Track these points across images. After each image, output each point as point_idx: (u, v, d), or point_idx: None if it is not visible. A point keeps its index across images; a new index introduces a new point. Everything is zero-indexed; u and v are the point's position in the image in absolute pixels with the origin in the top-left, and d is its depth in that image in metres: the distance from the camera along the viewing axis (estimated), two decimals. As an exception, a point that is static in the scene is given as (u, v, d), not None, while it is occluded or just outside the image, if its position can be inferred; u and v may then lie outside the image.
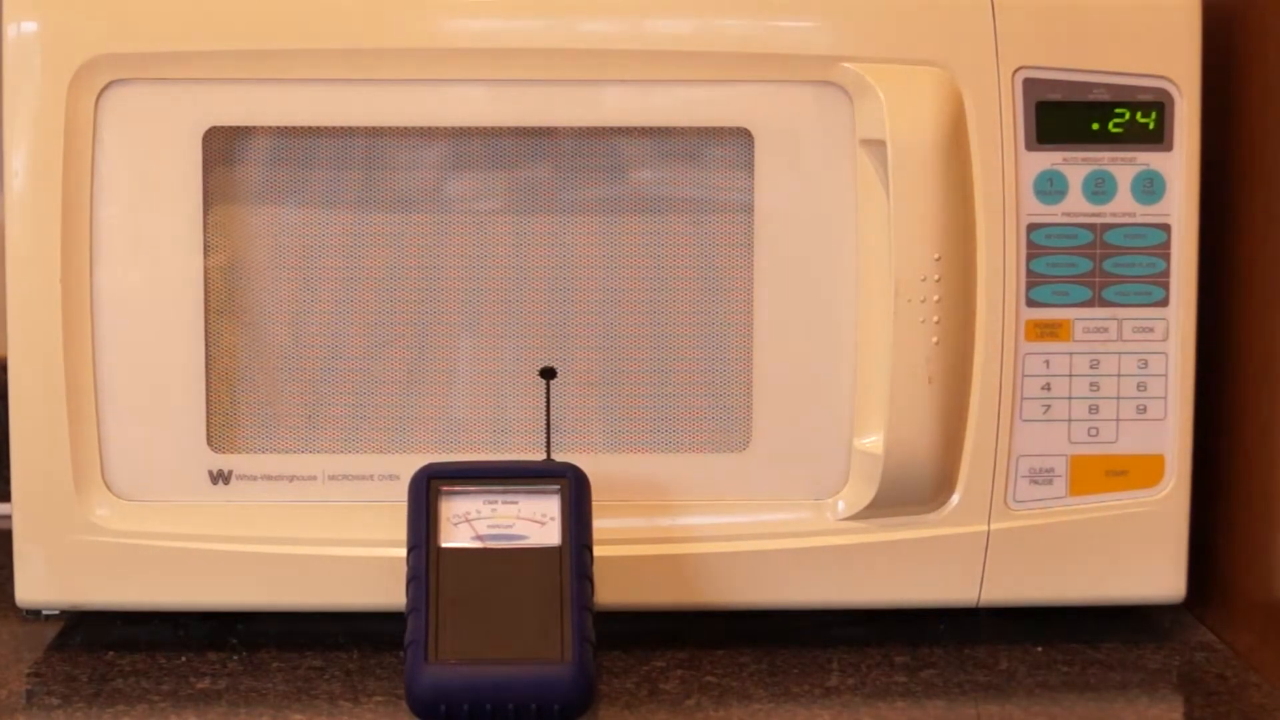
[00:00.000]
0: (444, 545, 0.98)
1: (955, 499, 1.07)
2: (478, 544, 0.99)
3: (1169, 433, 1.08)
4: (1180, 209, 1.07)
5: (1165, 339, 1.07)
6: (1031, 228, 1.06)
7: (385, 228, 1.07)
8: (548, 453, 1.05)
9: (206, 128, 1.05)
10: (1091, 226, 1.07)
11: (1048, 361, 1.07)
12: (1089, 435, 1.07)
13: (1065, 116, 1.06)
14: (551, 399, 1.06)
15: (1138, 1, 1.06)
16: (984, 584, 1.08)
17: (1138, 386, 1.07)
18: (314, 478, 1.07)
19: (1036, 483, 1.07)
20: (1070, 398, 1.07)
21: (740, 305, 1.07)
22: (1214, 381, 1.11)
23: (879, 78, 1.04)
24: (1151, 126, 1.06)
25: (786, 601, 1.08)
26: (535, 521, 0.99)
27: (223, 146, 1.05)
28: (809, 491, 1.08)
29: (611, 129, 1.06)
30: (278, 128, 1.05)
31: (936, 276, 1.04)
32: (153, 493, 1.07)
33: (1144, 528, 1.08)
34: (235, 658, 1.06)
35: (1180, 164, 1.07)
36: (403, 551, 0.99)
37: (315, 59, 1.04)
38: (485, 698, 0.93)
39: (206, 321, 1.06)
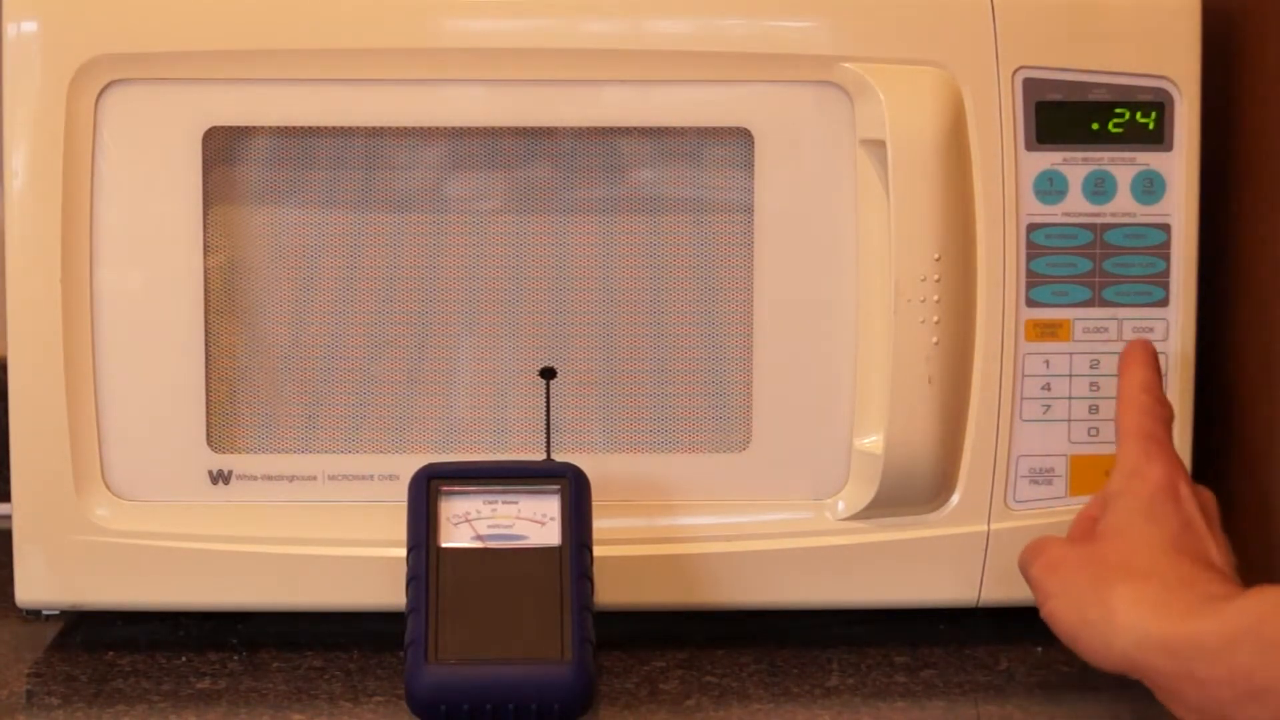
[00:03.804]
0: (444, 545, 0.98)
1: (955, 499, 1.07)
2: (478, 544, 0.99)
3: (1169, 433, 1.08)
4: (1180, 209, 1.07)
5: (1165, 339, 1.07)
6: (1031, 228, 1.06)
7: (385, 228, 1.07)
8: (548, 453, 1.05)
9: (206, 128, 1.05)
10: (1091, 226, 1.07)
11: (1048, 361, 1.07)
12: (1089, 435, 1.07)
13: (1065, 116, 1.06)
14: (551, 399, 1.06)
15: (1138, 1, 1.06)
16: (984, 584, 1.08)
17: (1138, 386, 1.07)
18: (314, 478, 1.07)
19: (1036, 483, 1.07)
20: (1070, 398, 1.07)
21: (740, 305, 1.07)
22: (1214, 381, 1.11)
23: (879, 78, 1.04)
24: (1151, 126, 1.06)
25: (786, 601, 1.08)
26: (535, 521, 0.99)
27: (223, 146, 1.05)
28: (809, 491, 1.08)
29: (611, 129, 1.06)
30: (278, 128, 1.05)
31: (936, 276, 1.04)
32: (153, 493, 1.07)
33: (1144, 528, 1.08)
34: (235, 658, 1.06)
35: (1180, 164, 1.07)
36: (403, 551, 0.99)
37: (315, 59, 1.04)
38: (485, 698, 0.93)
39: (206, 321, 1.06)
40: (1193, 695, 0.87)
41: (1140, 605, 0.90)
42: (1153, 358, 1.03)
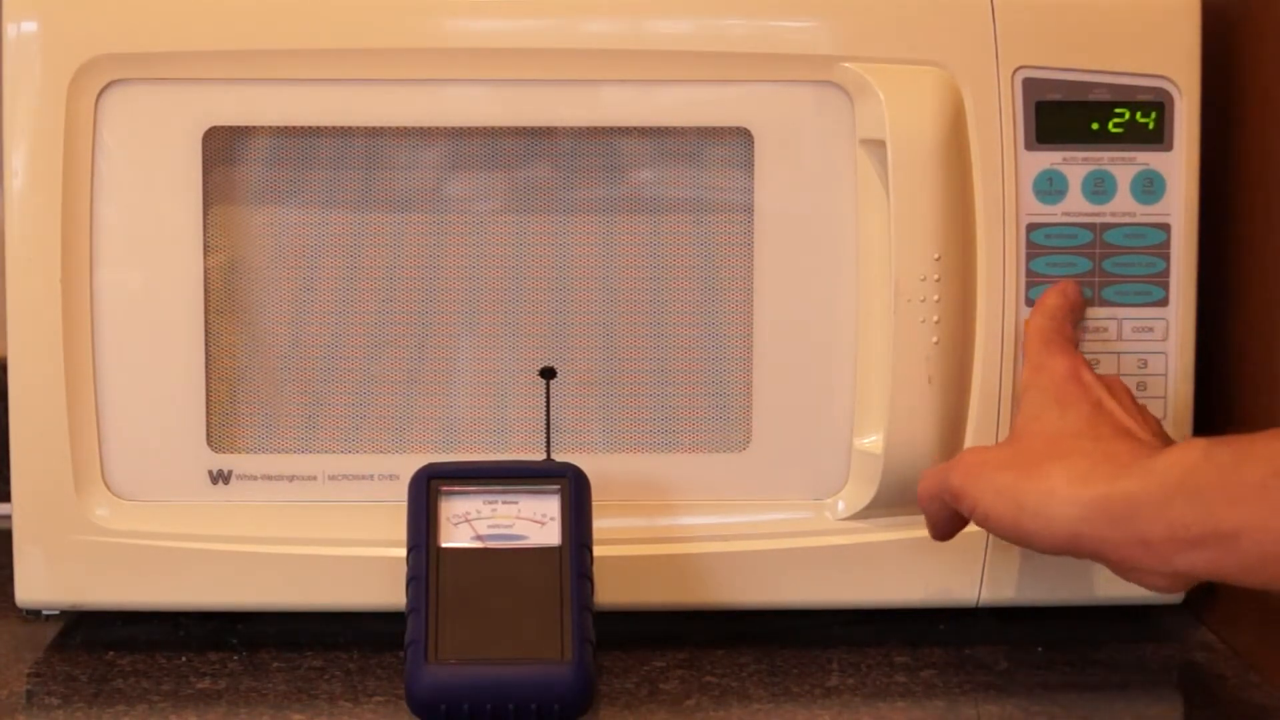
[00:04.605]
0: (444, 545, 0.98)
1: (955, 499, 1.07)
2: (478, 544, 0.99)
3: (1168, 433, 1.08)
4: (1180, 209, 1.07)
5: (1165, 339, 1.07)
6: (1031, 227, 1.06)
7: (385, 228, 1.07)
8: (548, 453, 1.05)
9: (206, 128, 1.05)
10: (1091, 226, 1.07)
11: (1048, 361, 1.07)
12: (1089, 435, 1.07)
13: (1065, 116, 1.06)
14: (551, 399, 1.06)
15: (1138, 1, 1.06)
16: (984, 584, 1.08)
17: (1138, 386, 1.07)
18: (314, 478, 1.07)
19: (1036, 482, 1.07)
20: (1070, 398, 1.07)
21: (740, 305, 1.07)
22: (1214, 381, 1.11)
23: (879, 78, 1.04)
24: (1151, 126, 1.06)
25: (786, 601, 1.08)
26: (535, 521, 0.99)
27: (223, 146, 1.05)
28: (809, 491, 1.08)
29: (611, 129, 1.06)
30: (278, 128, 1.06)
31: (936, 276, 1.04)
32: (153, 493, 1.07)
33: (1144, 528, 1.08)
34: (235, 658, 1.06)
35: (1180, 164, 1.07)
36: (403, 551, 0.99)
37: (315, 59, 1.04)
38: (485, 698, 0.93)
39: (206, 321, 1.06)
40: (1144, 559, 0.89)
41: (1075, 481, 0.91)
42: (1070, 297, 1.05)
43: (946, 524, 1.00)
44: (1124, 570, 0.91)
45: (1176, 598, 1.09)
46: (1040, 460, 0.94)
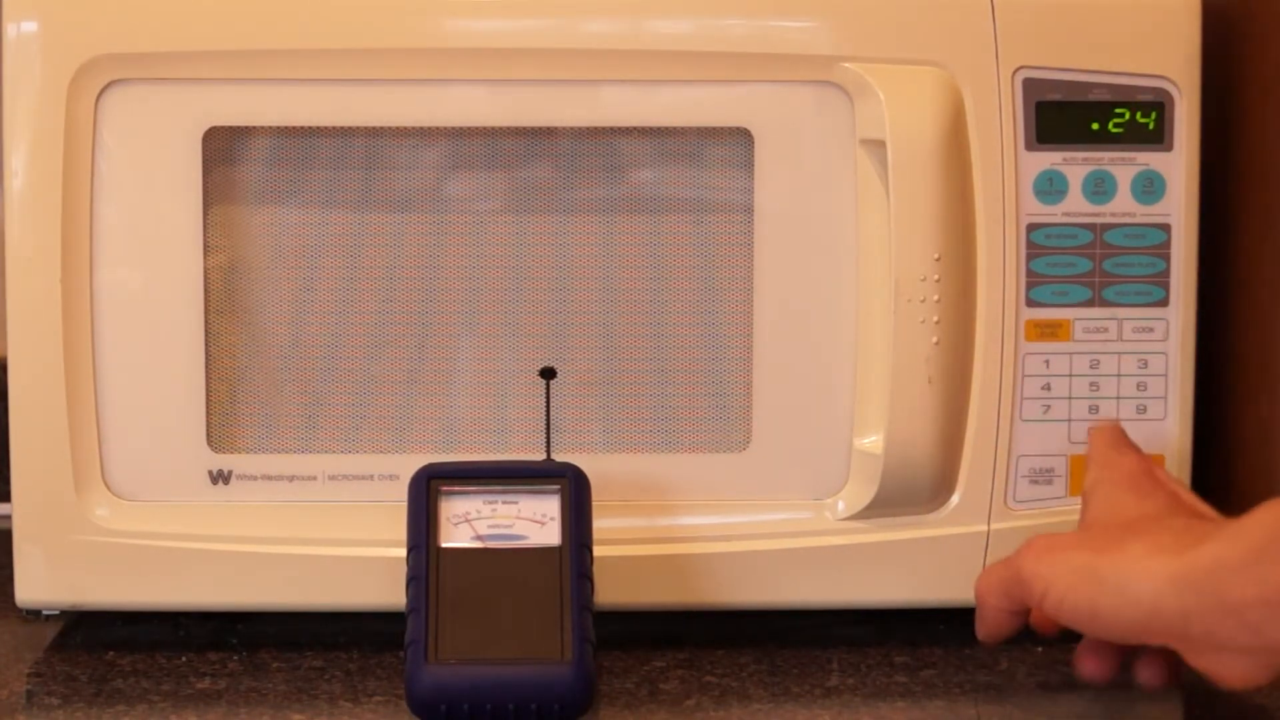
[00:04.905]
0: (444, 545, 0.98)
1: (955, 499, 1.07)
2: (478, 544, 0.99)
3: (1169, 433, 1.08)
4: (1180, 209, 1.07)
5: (1165, 339, 1.07)
6: (1031, 228, 1.06)
7: (385, 228, 1.07)
8: (548, 453, 1.05)
9: (206, 128, 1.05)
10: (1091, 226, 1.07)
11: (1048, 361, 1.07)
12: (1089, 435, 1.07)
13: (1065, 116, 1.06)
14: (551, 399, 1.06)
15: (1138, 1, 1.06)
16: (984, 584, 1.08)
17: (1138, 386, 1.07)
18: (314, 478, 1.07)
19: (1036, 483, 1.07)
20: (1070, 398, 1.07)
21: (740, 305, 1.07)
22: (1214, 381, 1.12)
23: (879, 78, 1.04)
24: (1151, 126, 1.06)
25: (786, 601, 1.08)
26: (535, 521, 0.99)
27: (223, 146, 1.05)
28: (809, 491, 1.08)
29: (611, 129, 1.06)
30: (278, 128, 1.05)
31: (936, 276, 1.04)
32: (153, 493, 1.07)
33: (1144, 528, 1.08)
34: (235, 658, 1.06)
35: (1180, 164, 1.07)
36: (403, 551, 0.99)
37: (315, 59, 1.04)
38: (485, 698, 0.93)
39: (206, 321, 1.06)
40: (1232, 630, 0.84)
41: (1156, 552, 0.87)
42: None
43: (1002, 623, 0.95)
44: (1207, 648, 0.86)
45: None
46: (1118, 538, 0.89)
